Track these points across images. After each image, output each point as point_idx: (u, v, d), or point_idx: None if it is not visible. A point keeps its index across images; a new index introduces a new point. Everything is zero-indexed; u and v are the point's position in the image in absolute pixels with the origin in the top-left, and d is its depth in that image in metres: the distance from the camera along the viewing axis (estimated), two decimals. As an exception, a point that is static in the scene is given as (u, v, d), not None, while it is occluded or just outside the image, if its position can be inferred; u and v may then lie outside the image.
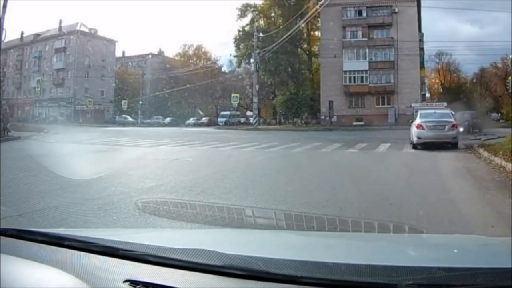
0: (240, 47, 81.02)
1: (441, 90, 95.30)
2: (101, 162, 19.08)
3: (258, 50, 67.67)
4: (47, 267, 2.43)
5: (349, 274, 2.20)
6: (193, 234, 3.76)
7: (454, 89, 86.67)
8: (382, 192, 11.12)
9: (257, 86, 66.96)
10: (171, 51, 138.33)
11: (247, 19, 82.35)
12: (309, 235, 3.76)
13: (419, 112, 29.53)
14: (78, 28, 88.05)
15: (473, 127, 40.35)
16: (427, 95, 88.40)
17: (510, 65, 78.65)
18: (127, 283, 2.29)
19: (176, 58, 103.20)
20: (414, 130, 26.45)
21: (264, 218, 4.51)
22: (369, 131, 47.96)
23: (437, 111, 31.41)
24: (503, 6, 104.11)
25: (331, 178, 14.37)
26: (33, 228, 2.95)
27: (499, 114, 76.55)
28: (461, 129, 30.80)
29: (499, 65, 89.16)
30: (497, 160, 17.64)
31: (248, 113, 76.34)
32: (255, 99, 66.81)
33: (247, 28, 79.61)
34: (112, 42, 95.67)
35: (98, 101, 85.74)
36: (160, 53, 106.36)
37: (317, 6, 70.07)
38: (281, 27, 72.09)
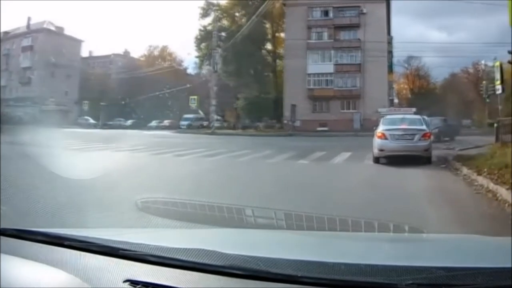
0: (201, 47, 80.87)
1: (410, 95, 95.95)
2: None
3: (218, 49, 67.53)
4: (47, 267, 2.49)
5: (349, 273, 2.27)
6: (193, 234, 3.83)
7: (423, 95, 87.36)
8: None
9: (215, 88, 66.79)
10: (138, 52, 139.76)
11: (210, 19, 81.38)
12: (309, 235, 3.84)
13: (383, 118, 26.15)
14: (45, 26, 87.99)
15: (444, 135, 39.01)
16: (396, 100, 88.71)
17: (484, 70, 79.72)
18: (127, 283, 2.36)
19: (142, 59, 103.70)
20: (375, 140, 22.82)
21: (264, 218, 4.51)
22: (332, 137, 47.03)
23: (406, 116, 28.24)
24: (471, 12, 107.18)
25: (262, 199, 11.19)
26: (33, 228, 3.00)
27: (471, 121, 76.90)
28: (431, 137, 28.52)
29: (470, 70, 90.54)
30: (482, 180, 14.34)
31: (215, 116, 76.25)
32: (213, 102, 66.58)
33: (209, 28, 78.45)
34: (78, 41, 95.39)
35: (63, 101, 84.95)
36: (126, 53, 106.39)
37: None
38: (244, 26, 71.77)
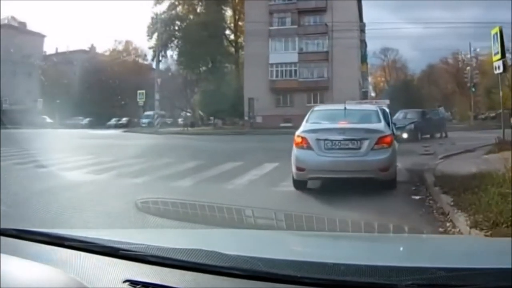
0: (154, 37, 79.81)
1: (387, 88, 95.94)
2: None
3: (172, 38, 67.14)
4: (47, 267, 2.65)
5: (349, 274, 2.42)
6: (193, 234, 3.98)
7: (400, 86, 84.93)
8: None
9: (159, 80, 66.80)
10: (104, 47, 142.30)
11: (165, 6, 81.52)
12: (309, 235, 4.00)
13: (312, 110, 16.59)
14: (6, 22, 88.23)
15: (422, 132, 34.42)
16: (372, 94, 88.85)
17: (464, 60, 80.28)
18: (127, 283, 2.52)
19: (106, 54, 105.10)
20: (294, 150, 14.45)
21: (264, 218, 4.69)
22: (290, 135, 43.22)
23: (352, 107, 17.74)
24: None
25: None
26: (33, 228, 3.15)
27: (450, 114, 76.06)
28: (404, 135, 25.11)
29: (450, 60, 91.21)
30: None
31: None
32: (157, 96, 66.45)
33: (163, 16, 78.40)
34: (40, 36, 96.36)
35: (23, 100, 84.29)
36: (92, 49, 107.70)
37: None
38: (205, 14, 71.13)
